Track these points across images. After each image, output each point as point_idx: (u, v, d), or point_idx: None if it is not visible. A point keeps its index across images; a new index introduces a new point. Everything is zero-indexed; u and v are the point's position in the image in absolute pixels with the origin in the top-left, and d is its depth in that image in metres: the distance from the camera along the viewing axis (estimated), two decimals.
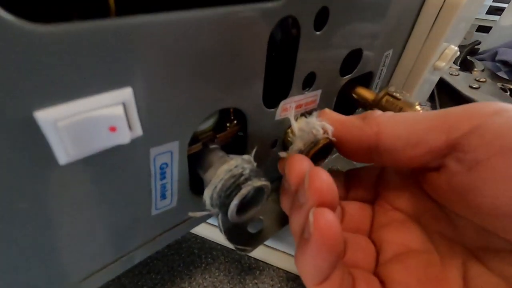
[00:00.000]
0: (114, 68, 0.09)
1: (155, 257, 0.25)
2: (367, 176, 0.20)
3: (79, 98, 0.09)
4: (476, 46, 0.48)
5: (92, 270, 0.14)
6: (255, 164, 0.15)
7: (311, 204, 0.13)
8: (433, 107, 0.39)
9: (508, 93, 0.35)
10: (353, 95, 0.24)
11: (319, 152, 0.19)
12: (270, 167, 0.21)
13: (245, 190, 0.14)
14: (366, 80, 0.25)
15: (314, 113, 0.18)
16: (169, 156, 0.13)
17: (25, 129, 0.09)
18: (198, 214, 0.16)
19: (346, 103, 0.25)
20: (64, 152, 0.09)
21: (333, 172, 0.20)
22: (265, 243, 0.25)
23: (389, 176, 0.19)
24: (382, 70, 0.26)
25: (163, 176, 0.14)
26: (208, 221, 0.26)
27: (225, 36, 0.12)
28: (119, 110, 0.10)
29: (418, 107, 0.21)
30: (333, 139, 0.19)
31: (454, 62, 0.43)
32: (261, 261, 0.25)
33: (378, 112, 0.16)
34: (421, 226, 0.17)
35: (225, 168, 0.14)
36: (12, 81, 0.08)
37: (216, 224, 0.25)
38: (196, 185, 0.16)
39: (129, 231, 0.14)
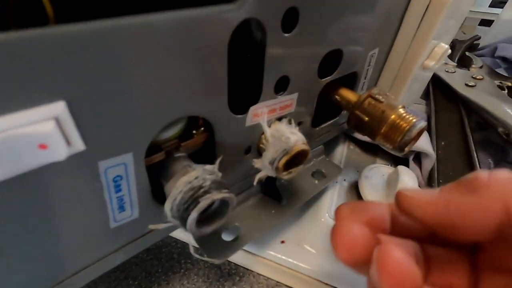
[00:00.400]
0: (42, 81, 0.09)
1: (134, 262, 0.24)
2: (457, 257, 0.13)
3: (2, 115, 0.08)
4: (476, 42, 0.47)
5: (53, 283, 0.14)
6: (219, 174, 0.15)
7: None
8: (428, 105, 0.38)
9: (506, 91, 0.34)
10: (336, 97, 0.23)
11: (293, 160, 0.18)
12: (245, 174, 0.20)
13: (203, 203, 0.13)
14: (351, 81, 0.24)
15: (284, 120, 0.17)
16: (122, 169, 0.13)
17: None
18: (161, 226, 0.15)
19: (329, 106, 0.24)
20: None
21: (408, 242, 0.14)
22: (246, 249, 0.24)
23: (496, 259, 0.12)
24: (367, 70, 0.25)
25: (118, 188, 0.13)
26: None
27: (178, 40, 0.11)
28: (49, 126, 0.09)
29: (401, 110, 0.20)
30: (307, 147, 0.18)
31: (451, 58, 0.41)
32: (242, 266, 0.25)
33: (483, 175, 0.11)
34: None
35: (185, 180, 0.14)
36: None
37: None
38: (162, 194, 0.16)
39: (86, 244, 0.14)
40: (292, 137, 0.17)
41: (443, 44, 0.25)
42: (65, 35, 0.09)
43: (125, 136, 0.12)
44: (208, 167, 0.14)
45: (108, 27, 0.09)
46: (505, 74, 0.39)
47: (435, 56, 0.24)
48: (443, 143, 0.31)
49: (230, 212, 0.15)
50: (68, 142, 0.10)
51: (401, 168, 0.26)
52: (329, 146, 0.31)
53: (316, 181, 0.25)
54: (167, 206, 0.14)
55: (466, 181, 0.12)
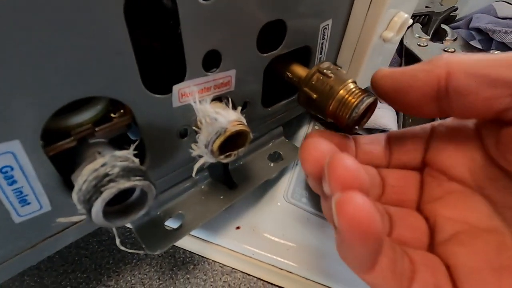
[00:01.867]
0: None
1: (84, 254, 0.23)
2: (413, 138, 0.17)
3: None
4: (453, 13, 0.45)
5: None
6: (134, 160, 0.13)
7: (335, 194, 0.11)
8: None
9: None
10: (288, 73, 0.22)
11: (232, 142, 0.17)
12: (187, 160, 0.19)
13: (107, 193, 0.12)
14: (305, 56, 0.23)
15: (207, 99, 0.15)
16: (10, 158, 0.11)
17: None
18: (72, 219, 0.14)
19: (282, 84, 0.22)
20: None
21: (372, 136, 0.18)
22: (200, 236, 0.23)
23: (442, 138, 0.16)
24: (322, 44, 0.23)
25: (11, 181, 0.12)
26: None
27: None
28: None
29: (351, 85, 0.19)
30: (247, 129, 0.17)
31: (426, 32, 0.40)
32: (197, 254, 0.24)
33: (446, 54, 0.14)
34: (486, 199, 0.14)
35: (90, 167, 0.12)
36: None
37: None
38: None
39: None
40: (220, 118, 0.15)
41: (402, 13, 0.23)
42: None
43: (3, 122, 0.11)
44: (119, 152, 0.13)
45: None
46: (479, 46, 0.37)
47: (394, 26, 0.23)
48: (410, 120, 0.30)
49: (150, 202, 0.14)
50: None
51: None
52: (292, 127, 0.29)
53: (272, 164, 0.24)
54: (74, 197, 0.13)
55: (431, 58, 0.14)
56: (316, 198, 0.25)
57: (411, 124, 0.30)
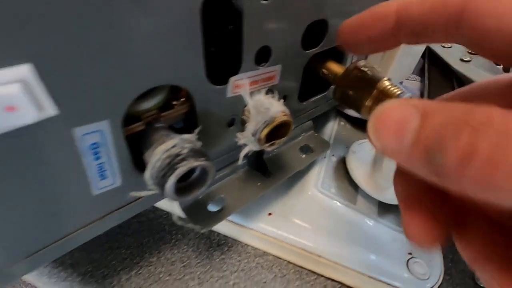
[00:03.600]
0: (5, 42, 0.09)
1: (125, 233, 0.25)
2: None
3: None
4: None
5: (31, 250, 0.14)
6: (198, 144, 0.15)
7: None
8: (423, 81, 0.38)
9: (501, 66, 0.33)
10: (323, 70, 0.23)
11: (276, 131, 0.18)
12: (230, 147, 0.21)
13: (180, 170, 0.13)
14: (339, 54, 0.24)
15: (263, 90, 0.17)
16: (99, 136, 0.13)
17: None
18: (142, 193, 0.16)
19: (318, 80, 0.24)
20: None
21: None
22: (234, 220, 0.25)
23: None
24: None
25: (96, 156, 0.13)
26: None
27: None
28: (14, 88, 0.09)
29: (386, 82, 0.20)
30: (290, 119, 0.18)
31: None
32: (230, 238, 0.25)
33: None
34: None
35: (163, 148, 0.14)
36: None
37: None
38: (144, 164, 0.16)
39: (70, 210, 0.14)
40: (272, 108, 0.17)
41: None
42: None
43: (101, 103, 0.12)
44: (186, 136, 0.15)
45: None
46: None
47: None
48: None
49: (209, 181, 0.15)
50: (39, 106, 0.10)
51: None
52: (320, 122, 0.31)
53: (303, 156, 0.25)
54: (147, 174, 0.14)
55: None
56: (343, 189, 0.26)
57: None
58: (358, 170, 0.25)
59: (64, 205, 0.14)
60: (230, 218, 0.25)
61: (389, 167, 0.25)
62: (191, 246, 0.25)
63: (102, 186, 0.15)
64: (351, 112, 0.31)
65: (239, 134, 0.19)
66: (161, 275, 0.23)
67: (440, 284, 0.23)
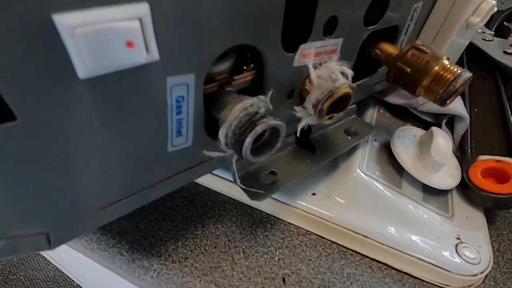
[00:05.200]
0: None
1: (170, 206, 0.25)
2: None
3: (96, 7, 0.09)
4: None
5: (109, 201, 0.15)
6: (271, 106, 0.15)
7: None
8: None
9: None
10: (376, 50, 0.23)
11: (336, 103, 0.18)
12: (285, 120, 0.21)
13: (260, 127, 0.14)
14: (391, 35, 0.24)
15: (334, 57, 0.17)
16: (185, 89, 0.13)
17: (45, 34, 0.09)
18: (213, 153, 0.16)
19: (368, 60, 0.24)
20: (82, 63, 0.09)
21: None
22: (277, 198, 0.25)
23: None
24: (409, 25, 0.24)
25: (179, 110, 0.14)
26: (222, 175, 0.26)
27: None
28: (136, 24, 0.09)
29: (446, 61, 0.20)
30: (351, 90, 0.18)
31: (489, 28, 0.40)
32: (273, 216, 0.25)
33: None
34: None
35: (241, 106, 0.14)
36: None
37: (230, 179, 0.26)
38: (210, 128, 0.16)
39: (146, 165, 0.15)
40: (341, 76, 0.17)
41: (490, 0, 0.24)
42: None
43: (191, 55, 0.12)
44: (261, 97, 0.15)
45: None
46: None
47: (480, 12, 0.24)
48: (476, 110, 0.31)
49: (279, 143, 0.16)
50: (148, 48, 0.10)
51: (435, 129, 0.26)
52: (359, 109, 0.30)
53: (349, 137, 0.25)
54: (222, 132, 0.14)
55: None
56: (388, 173, 0.26)
57: (477, 113, 0.30)
58: (405, 154, 0.25)
59: (143, 159, 0.14)
60: (274, 196, 0.25)
61: (437, 152, 0.24)
62: (234, 222, 0.25)
63: (176, 143, 0.15)
64: (392, 99, 0.31)
65: (296, 108, 0.19)
66: (206, 247, 0.23)
67: (489, 271, 0.22)
